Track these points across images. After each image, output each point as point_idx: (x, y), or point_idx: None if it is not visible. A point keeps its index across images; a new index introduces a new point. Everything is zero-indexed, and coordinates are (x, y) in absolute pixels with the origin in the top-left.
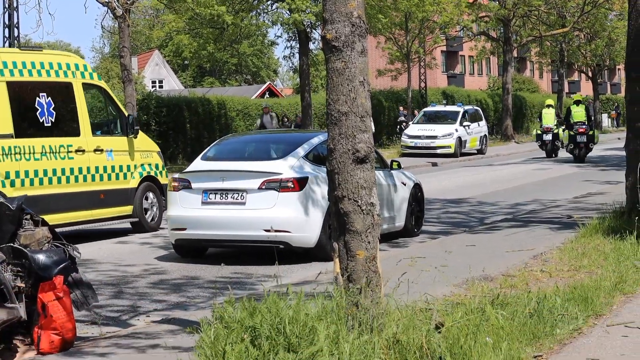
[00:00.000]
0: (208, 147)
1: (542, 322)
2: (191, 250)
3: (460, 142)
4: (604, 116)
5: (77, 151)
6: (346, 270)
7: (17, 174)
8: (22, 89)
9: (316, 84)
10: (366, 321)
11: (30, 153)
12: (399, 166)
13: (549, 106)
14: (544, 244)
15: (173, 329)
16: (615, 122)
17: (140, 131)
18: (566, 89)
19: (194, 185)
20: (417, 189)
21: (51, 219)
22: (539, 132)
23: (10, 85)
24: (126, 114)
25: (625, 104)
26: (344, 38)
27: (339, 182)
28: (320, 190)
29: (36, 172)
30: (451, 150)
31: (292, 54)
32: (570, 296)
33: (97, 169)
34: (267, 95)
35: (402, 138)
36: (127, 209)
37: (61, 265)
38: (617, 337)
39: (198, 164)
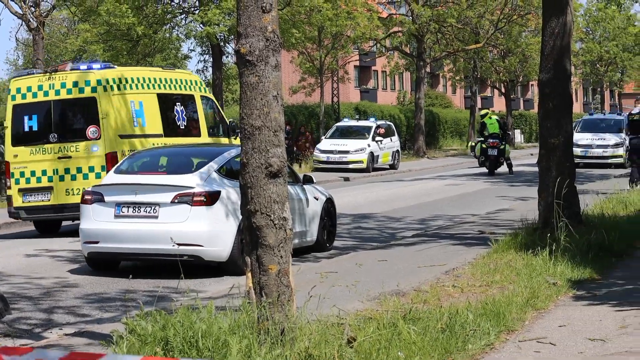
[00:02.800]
0: (121, 160)
1: (454, 337)
2: (104, 263)
3: (373, 157)
4: (517, 132)
5: None
6: (258, 284)
7: None
8: (166, 99)
9: (226, 97)
10: (278, 335)
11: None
12: (311, 181)
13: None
14: (455, 260)
15: (86, 342)
16: None
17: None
18: (479, 105)
19: (106, 198)
20: (329, 203)
21: None
22: (484, 146)
23: (159, 96)
24: (227, 121)
25: (539, 120)
26: (258, 52)
27: (251, 196)
28: (232, 205)
29: None
30: (363, 165)
31: (205, 68)
32: (482, 311)
33: None
34: None
35: (314, 153)
36: None
37: None
38: (529, 352)
39: (111, 177)
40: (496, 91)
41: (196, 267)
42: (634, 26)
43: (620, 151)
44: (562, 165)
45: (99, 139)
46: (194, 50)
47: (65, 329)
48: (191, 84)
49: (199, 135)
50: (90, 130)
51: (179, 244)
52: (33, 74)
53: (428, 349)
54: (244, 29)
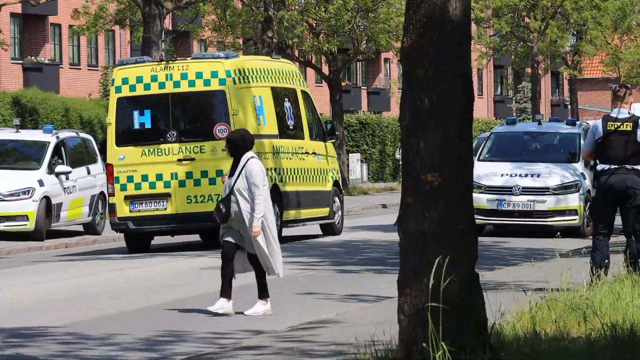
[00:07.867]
0: None
1: None
2: None
3: (49, 205)
4: (353, 158)
5: (304, 153)
6: None
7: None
8: (278, 94)
9: None
10: None
11: (285, 152)
12: None
13: None
14: None
15: None
16: None
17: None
18: None
19: None
20: None
21: (298, 213)
22: None
23: (273, 90)
24: (322, 121)
25: (401, 135)
26: None
27: None
28: None
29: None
30: (30, 226)
31: None
32: None
33: (315, 170)
34: None
35: None
36: (325, 211)
37: None
38: None
39: None
40: (312, 72)
41: None
42: None
43: (575, 201)
44: (451, 229)
45: None
46: None
47: None
48: (293, 75)
49: (302, 137)
50: (219, 129)
51: None
52: (144, 62)
53: None
54: None
